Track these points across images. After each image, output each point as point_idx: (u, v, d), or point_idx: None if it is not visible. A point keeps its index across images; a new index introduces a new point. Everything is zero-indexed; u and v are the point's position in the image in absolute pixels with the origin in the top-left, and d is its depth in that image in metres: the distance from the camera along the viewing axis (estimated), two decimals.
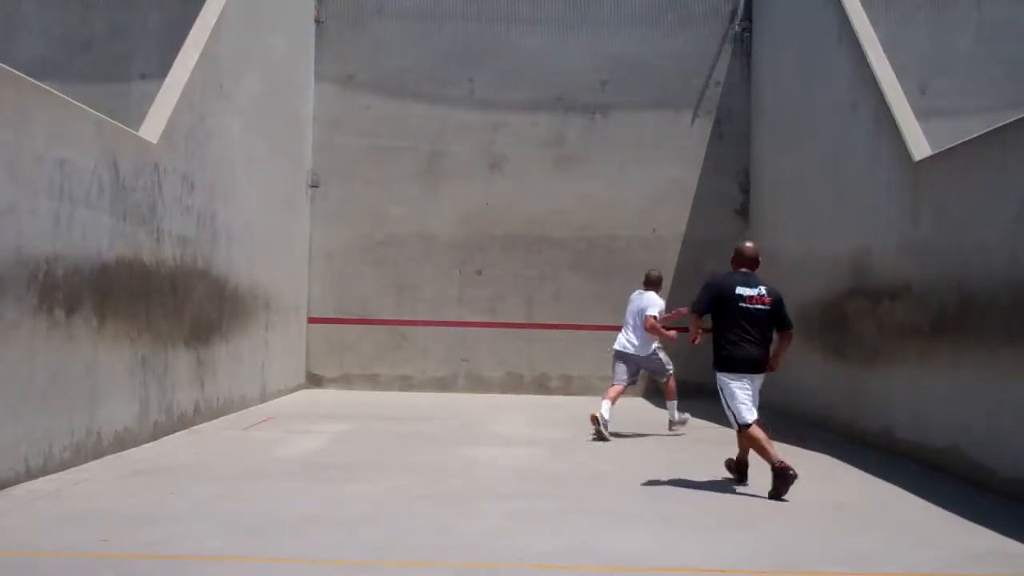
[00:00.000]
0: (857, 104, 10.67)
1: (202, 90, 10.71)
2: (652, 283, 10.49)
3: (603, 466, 8.26)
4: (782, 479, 6.86)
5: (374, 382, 15.69)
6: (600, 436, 9.72)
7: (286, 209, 14.56)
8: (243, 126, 12.16)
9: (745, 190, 15.69)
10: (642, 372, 10.58)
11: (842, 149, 11.07)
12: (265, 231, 13.17)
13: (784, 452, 9.48)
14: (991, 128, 7.89)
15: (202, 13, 11.23)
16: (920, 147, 9.17)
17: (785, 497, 6.87)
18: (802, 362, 12.25)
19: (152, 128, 9.46)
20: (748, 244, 7.59)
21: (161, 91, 10.11)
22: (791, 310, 12.05)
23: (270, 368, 13.48)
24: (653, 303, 10.24)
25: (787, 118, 13.62)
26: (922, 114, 10.30)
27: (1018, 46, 13.03)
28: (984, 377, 7.53)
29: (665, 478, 7.85)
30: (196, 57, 10.55)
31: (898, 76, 10.21)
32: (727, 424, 11.51)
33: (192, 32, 10.93)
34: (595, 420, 9.75)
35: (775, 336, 7.40)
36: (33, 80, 7.18)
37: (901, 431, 9.13)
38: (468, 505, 6.57)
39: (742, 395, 7.15)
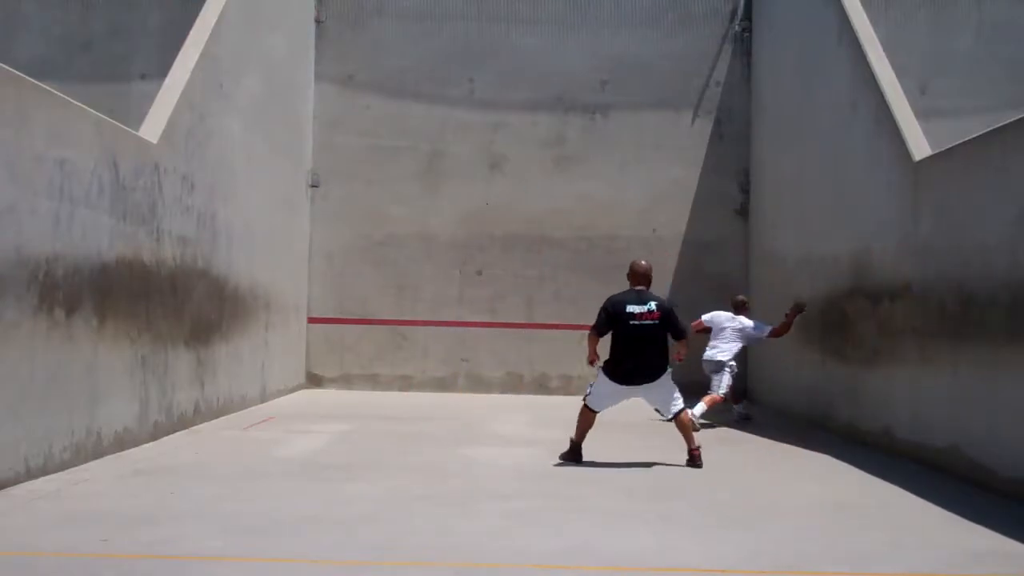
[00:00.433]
0: (857, 104, 10.67)
1: (202, 90, 10.71)
2: (737, 307, 12.00)
3: (603, 466, 8.26)
4: (571, 455, 8.28)
5: (374, 382, 15.69)
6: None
7: (286, 209, 14.56)
8: (243, 126, 12.16)
9: (745, 190, 15.69)
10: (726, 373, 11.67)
11: (842, 149, 11.07)
12: (265, 231, 13.17)
13: (784, 452, 9.51)
14: (991, 128, 7.89)
15: (202, 13, 11.23)
16: (920, 147, 9.16)
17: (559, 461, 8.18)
18: (802, 362, 12.26)
19: (152, 128, 9.46)
20: (642, 262, 8.38)
21: (161, 91, 10.11)
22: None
23: (270, 368, 13.48)
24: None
25: (787, 118, 13.62)
26: (922, 114, 10.30)
27: (1018, 46, 13.02)
28: (984, 377, 7.53)
29: (665, 478, 7.86)
30: (196, 57, 10.55)
31: (898, 76, 10.21)
32: (727, 424, 11.57)
33: (192, 32, 10.93)
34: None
35: (672, 342, 8.31)
36: (33, 80, 7.18)
37: (901, 431, 9.12)
38: (468, 505, 6.57)
39: (606, 390, 8.21)
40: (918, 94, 11.98)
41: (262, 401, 13.01)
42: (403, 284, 15.79)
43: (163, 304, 9.47)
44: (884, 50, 10.54)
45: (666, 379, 8.25)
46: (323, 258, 15.82)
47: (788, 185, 13.44)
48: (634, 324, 8.06)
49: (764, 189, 14.87)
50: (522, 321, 15.76)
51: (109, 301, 8.22)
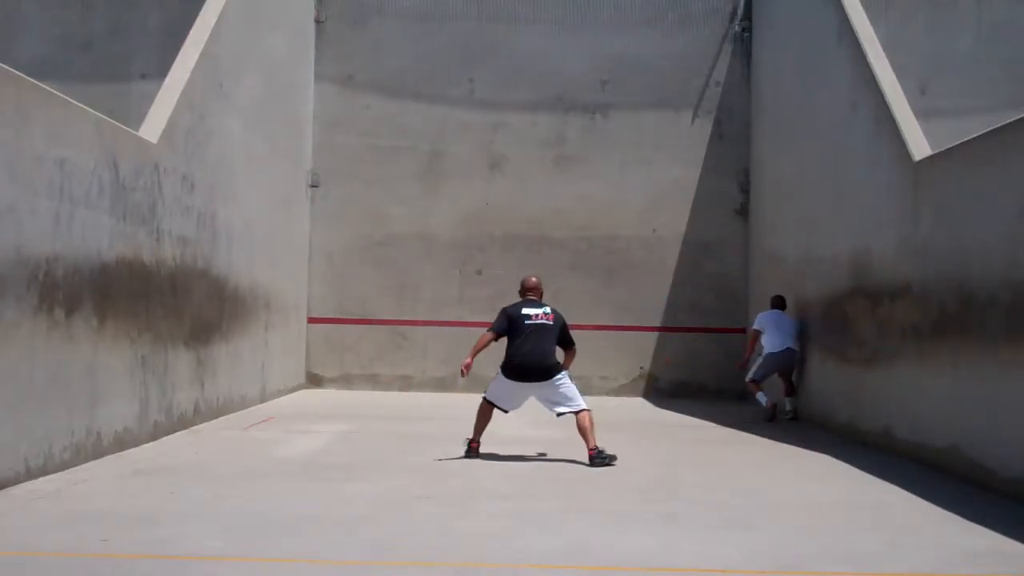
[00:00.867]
0: (857, 104, 10.67)
1: (202, 90, 10.71)
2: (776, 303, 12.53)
3: (601, 467, 8.26)
4: (470, 453, 8.65)
5: (374, 382, 15.68)
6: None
7: (286, 209, 14.55)
8: (243, 126, 12.16)
9: (745, 190, 15.69)
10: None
11: (842, 149, 11.07)
12: (265, 231, 13.17)
13: (784, 452, 9.51)
14: (991, 128, 7.88)
15: (202, 13, 11.23)
16: (920, 147, 9.16)
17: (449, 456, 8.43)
18: (802, 362, 12.26)
19: (152, 128, 9.46)
20: (532, 278, 8.98)
21: (161, 91, 10.10)
22: (791, 311, 12.24)
23: (270, 368, 13.48)
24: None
25: (787, 118, 13.62)
26: (922, 114, 10.29)
27: (1018, 46, 13.02)
28: (984, 377, 7.53)
29: (665, 478, 7.86)
30: (196, 57, 10.55)
31: (898, 76, 10.20)
32: (727, 424, 11.58)
33: (192, 32, 10.93)
34: None
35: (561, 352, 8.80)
36: (33, 80, 7.18)
37: (901, 431, 9.12)
38: (468, 505, 6.57)
39: (502, 389, 8.71)
40: (918, 94, 11.98)
41: (262, 401, 13.01)
42: (403, 284, 15.78)
43: (163, 304, 9.47)
44: (884, 50, 10.54)
45: (563, 380, 8.61)
46: (323, 258, 15.82)
47: (788, 185, 13.44)
48: (529, 324, 8.58)
49: (764, 189, 14.86)
50: None
51: (109, 301, 8.22)
